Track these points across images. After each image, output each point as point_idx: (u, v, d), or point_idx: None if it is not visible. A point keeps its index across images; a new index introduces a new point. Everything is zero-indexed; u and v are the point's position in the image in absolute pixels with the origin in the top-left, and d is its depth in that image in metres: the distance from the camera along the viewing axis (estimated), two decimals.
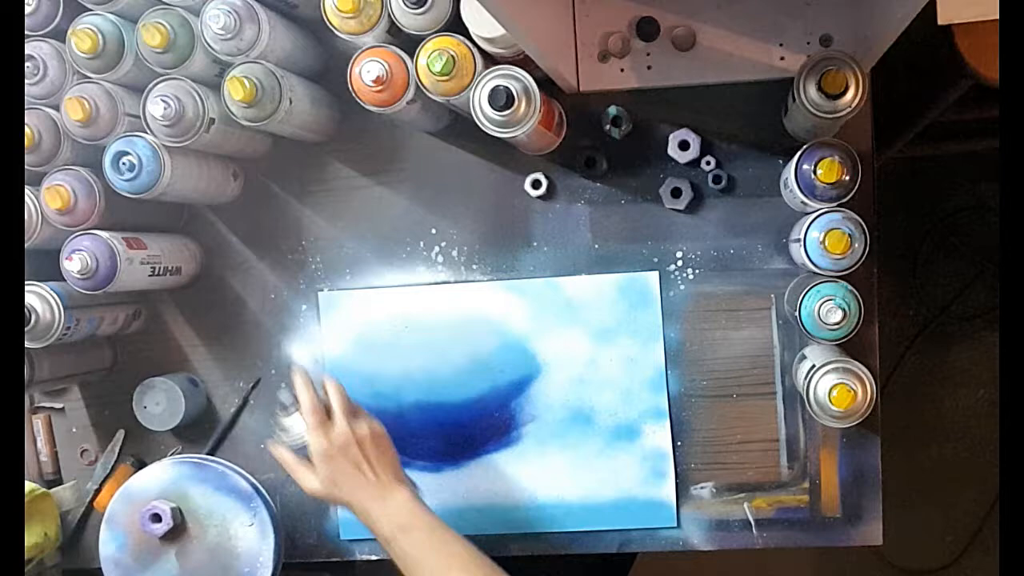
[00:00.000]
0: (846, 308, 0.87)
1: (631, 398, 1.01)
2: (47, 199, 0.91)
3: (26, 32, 0.90)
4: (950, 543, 1.87)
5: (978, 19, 0.69)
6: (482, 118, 0.86)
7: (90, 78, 0.90)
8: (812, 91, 0.82)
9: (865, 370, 0.88)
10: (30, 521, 1.00)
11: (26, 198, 0.93)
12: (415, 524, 0.86)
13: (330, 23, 0.88)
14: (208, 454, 1.05)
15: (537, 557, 1.04)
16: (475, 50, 0.86)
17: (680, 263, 1.00)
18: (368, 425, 0.90)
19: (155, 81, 0.89)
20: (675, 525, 1.01)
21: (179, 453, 1.06)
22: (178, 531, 0.97)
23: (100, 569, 0.99)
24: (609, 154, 1.00)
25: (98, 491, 1.07)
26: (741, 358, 0.99)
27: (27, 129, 0.90)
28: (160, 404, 1.03)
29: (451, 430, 1.03)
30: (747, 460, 1.00)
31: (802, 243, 0.87)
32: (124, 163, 0.89)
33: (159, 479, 0.99)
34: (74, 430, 1.09)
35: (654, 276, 1.00)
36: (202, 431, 1.07)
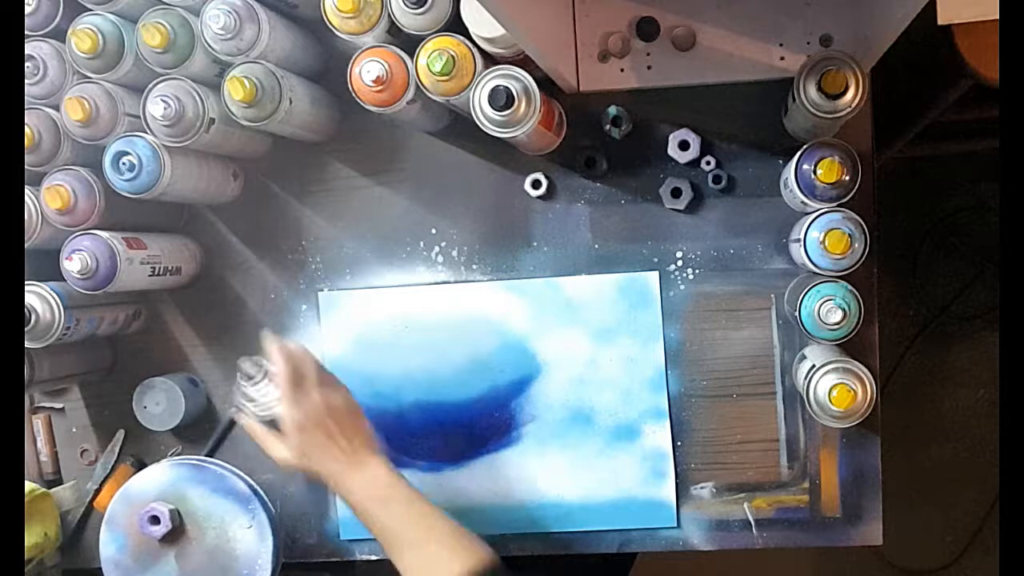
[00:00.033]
0: (846, 308, 0.87)
1: (631, 398, 1.01)
2: (47, 199, 0.91)
3: (26, 32, 0.90)
4: (950, 543, 1.86)
5: (978, 19, 0.69)
6: (482, 118, 0.86)
7: (90, 78, 0.90)
8: (812, 91, 0.82)
9: (865, 370, 0.88)
10: (30, 521, 1.00)
11: (26, 198, 0.93)
12: (393, 496, 0.85)
13: (330, 23, 0.88)
14: (208, 455, 1.05)
15: (537, 557, 1.04)
16: (475, 50, 0.86)
17: (680, 263, 1.00)
18: (341, 395, 0.89)
19: (155, 81, 0.89)
20: (675, 525, 1.01)
21: (179, 453, 1.06)
22: (177, 533, 0.97)
23: (100, 569, 0.99)
24: (609, 154, 1.00)
25: (98, 491, 1.06)
26: (741, 358, 0.99)
27: (27, 129, 0.90)
28: (160, 404, 1.03)
29: (451, 430, 1.03)
30: (747, 460, 1.00)
31: (802, 243, 0.87)
32: (124, 163, 0.89)
33: (158, 481, 0.98)
34: (74, 430, 1.09)
35: (654, 276, 1.00)
36: (202, 431, 1.07)
